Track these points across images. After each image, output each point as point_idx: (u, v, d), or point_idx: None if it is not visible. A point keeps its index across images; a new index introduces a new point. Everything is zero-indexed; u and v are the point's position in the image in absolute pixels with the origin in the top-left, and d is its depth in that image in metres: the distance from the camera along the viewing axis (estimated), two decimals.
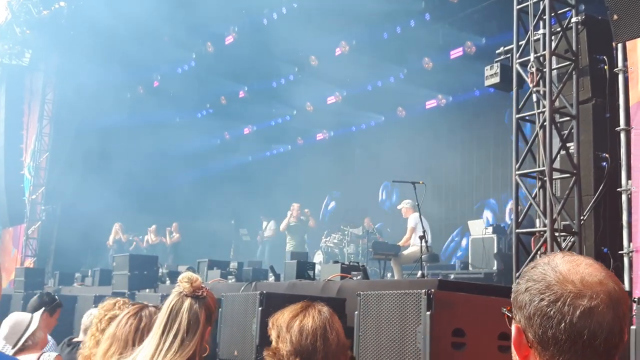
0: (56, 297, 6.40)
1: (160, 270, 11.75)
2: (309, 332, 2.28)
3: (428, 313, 5.15)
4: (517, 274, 6.02)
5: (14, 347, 3.83)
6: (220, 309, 6.69)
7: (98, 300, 7.28)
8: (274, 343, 2.34)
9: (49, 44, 19.42)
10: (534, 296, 1.31)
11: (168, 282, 11.15)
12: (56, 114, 20.21)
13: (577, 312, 1.26)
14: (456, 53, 14.73)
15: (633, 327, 4.32)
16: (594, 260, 1.37)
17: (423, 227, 9.01)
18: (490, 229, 10.20)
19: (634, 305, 4.41)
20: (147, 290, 10.02)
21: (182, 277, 2.54)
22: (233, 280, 10.11)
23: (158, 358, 2.34)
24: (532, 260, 6.15)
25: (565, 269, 1.32)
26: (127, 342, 2.72)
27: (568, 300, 1.27)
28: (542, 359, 1.31)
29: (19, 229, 19.93)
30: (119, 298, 3.59)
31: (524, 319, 1.33)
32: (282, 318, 2.35)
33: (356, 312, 5.76)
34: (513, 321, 1.38)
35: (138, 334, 2.74)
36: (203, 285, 2.52)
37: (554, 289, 1.30)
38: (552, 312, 1.28)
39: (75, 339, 4.72)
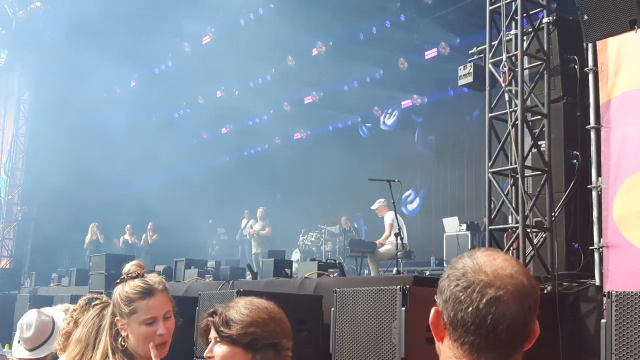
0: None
1: None
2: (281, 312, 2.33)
3: (403, 309, 5.24)
4: None
5: (32, 349, 3.64)
6: (197, 308, 6.72)
7: (75, 300, 7.27)
8: (267, 340, 2.20)
9: (25, 44, 19.26)
10: (451, 282, 1.43)
11: None
12: (32, 114, 20.05)
13: (484, 300, 1.37)
14: (431, 54, 14.88)
15: (603, 320, 4.43)
16: (512, 257, 1.50)
17: (399, 225, 9.12)
18: (464, 226, 10.35)
19: (604, 299, 4.52)
20: None
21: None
22: (211, 279, 10.13)
23: None
24: None
25: (482, 261, 1.44)
26: (88, 344, 2.72)
27: (478, 288, 1.38)
28: (452, 340, 1.43)
29: None
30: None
31: (442, 302, 1.45)
32: (256, 313, 2.25)
33: (332, 309, 5.83)
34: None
35: (99, 334, 2.73)
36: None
37: (468, 276, 1.41)
38: (462, 297, 1.39)
39: None
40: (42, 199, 18.51)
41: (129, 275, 2.57)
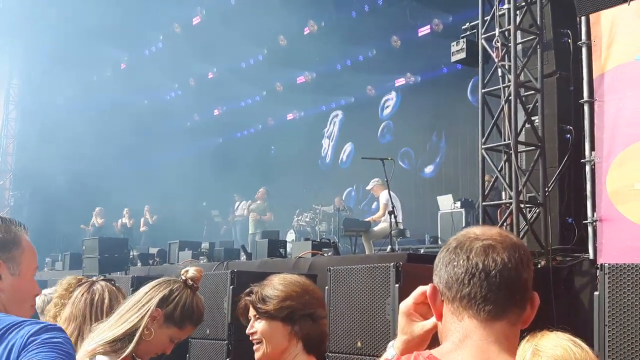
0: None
1: (131, 252, 11.70)
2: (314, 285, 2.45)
3: (397, 285, 5.22)
4: None
5: None
6: None
7: None
8: (301, 311, 2.35)
9: (14, 29, 19.06)
10: (442, 251, 1.47)
11: (139, 264, 11.11)
12: (22, 98, 19.91)
13: (474, 251, 1.40)
14: (424, 31, 14.78)
15: (596, 292, 4.41)
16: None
17: (392, 203, 9.09)
18: (458, 204, 10.33)
19: (597, 272, 4.50)
20: (118, 272, 9.97)
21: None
22: (205, 260, 10.11)
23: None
24: None
25: (469, 228, 1.49)
26: (85, 317, 2.73)
27: (467, 243, 1.42)
28: (450, 303, 1.42)
29: None
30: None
31: (436, 276, 1.47)
32: (292, 287, 2.40)
33: (327, 287, 5.81)
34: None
35: (94, 308, 2.75)
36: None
37: (458, 239, 1.46)
38: (453, 255, 1.43)
39: None
40: (34, 184, 18.41)
41: (192, 283, 2.51)
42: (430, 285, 1.48)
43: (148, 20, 16.88)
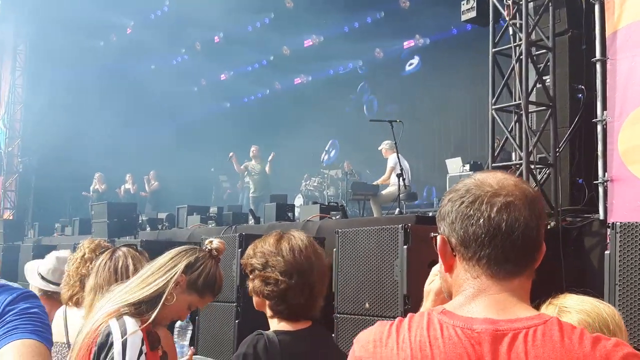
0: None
1: (140, 217, 11.74)
2: (301, 249, 2.24)
3: (405, 247, 5.20)
4: None
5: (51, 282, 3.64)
6: None
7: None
8: (259, 272, 2.24)
9: None
10: (455, 202, 1.38)
11: (148, 228, 11.16)
12: (29, 65, 19.82)
13: (495, 208, 1.33)
14: None
15: (607, 252, 4.38)
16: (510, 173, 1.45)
17: (401, 166, 9.03)
18: (467, 167, 10.24)
19: (608, 231, 4.45)
20: (127, 237, 10.01)
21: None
22: (213, 224, 10.14)
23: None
24: None
25: (483, 176, 1.40)
26: (110, 286, 2.67)
27: (485, 199, 1.34)
28: (465, 261, 1.37)
29: None
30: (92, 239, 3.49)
31: (447, 227, 1.39)
32: (265, 245, 2.28)
33: (335, 249, 5.81)
34: (438, 236, 1.43)
35: (119, 276, 2.74)
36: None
37: (472, 191, 1.37)
38: (471, 212, 1.34)
39: None
40: (42, 150, 18.42)
41: (216, 254, 2.52)
42: (439, 236, 1.42)
43: None
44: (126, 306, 2.30)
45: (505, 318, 1.29)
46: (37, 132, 18.55)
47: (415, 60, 16.77)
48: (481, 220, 1.33)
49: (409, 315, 1.39)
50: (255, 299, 2.30)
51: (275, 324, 2.24)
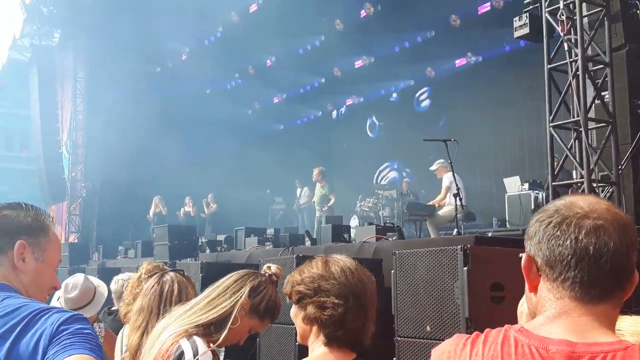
0: None
1: (200, 239, 11.95)
2: (352, 271, 2.15)
3: (465, 268, 5.14)
4: None
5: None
6: None
7: None
8: (310, 298, 2.11)
9: (77, 22, 19.59)
10: (543, 222, 1.36)
11: (207, 250, 11.34)
12: (88, 91, 20.47)
13: (583, 231, 1.30)
14: (484, 8, 14.45)
15: None
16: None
17: (457, 185, 8.95)
18: (526, 185, 10.06)
19: None
20: (188, 259, 10.20)
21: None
22: (270, 246, 10.22)
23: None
24: None
25: (573, 198, 1.37)
26: (152, 310, 2.81)
27: (574, 220, 1.32)
28: (550, 282, 1.35)
29: (62, 207, 20.44)
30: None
31: (533, 246, 1.37)
32: (312, 270, 2.16)
33: (392, 271, 5.77)
34: (523, 255, 1.42)
35: (162, 301, 2.83)
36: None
37: (561, 211, 1.34)
38: (558, 232, 1.32)
39: (113, 308, 4.83)
40: (104, 174, 18.98)
41: (275, 278, 2.57)
42: (524, 255, 1.41)
43: (205, 11, 17.07)
44: (195, 327, 2.34)
45: (584, 341, 1.27)
46: (99, 157, 19.13)
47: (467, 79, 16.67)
48: (568, 242, 1.31)
49: (486, 330, 1.39)
50: (302, 328, 2.15)
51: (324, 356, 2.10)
